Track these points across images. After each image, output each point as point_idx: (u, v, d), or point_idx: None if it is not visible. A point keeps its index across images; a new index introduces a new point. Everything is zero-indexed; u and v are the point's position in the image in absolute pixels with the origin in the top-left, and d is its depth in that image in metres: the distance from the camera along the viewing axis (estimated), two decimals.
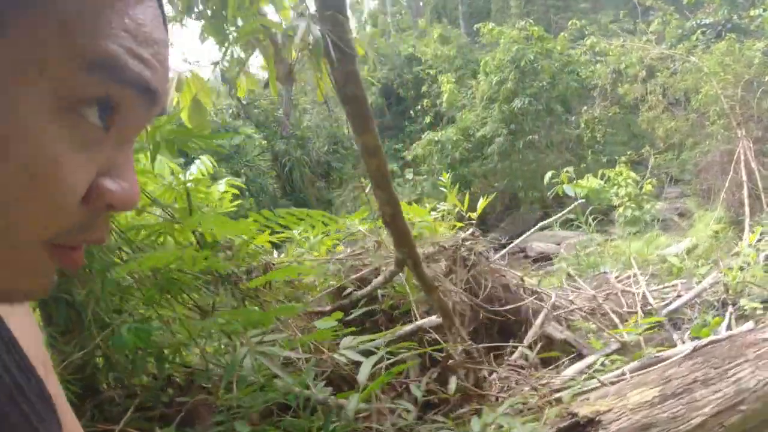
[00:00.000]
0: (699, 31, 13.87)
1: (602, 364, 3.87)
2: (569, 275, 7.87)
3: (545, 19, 21.33)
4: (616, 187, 10.84)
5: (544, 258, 16.66)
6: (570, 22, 17.66)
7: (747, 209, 9.51)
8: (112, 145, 0.44)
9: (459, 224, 5.05)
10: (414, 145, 18.79)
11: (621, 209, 10.71)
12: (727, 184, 9.75)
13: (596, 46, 16.48)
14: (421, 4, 26.88)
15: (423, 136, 19.07)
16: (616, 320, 5.05)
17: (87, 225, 0.44)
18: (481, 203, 5.13)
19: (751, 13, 14.19)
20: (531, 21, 17.49)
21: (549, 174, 11.24)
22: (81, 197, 0.42)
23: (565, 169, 10.05)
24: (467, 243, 4.85)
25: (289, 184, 19.28)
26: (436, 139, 18.54)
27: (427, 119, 21.39)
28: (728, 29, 13.98)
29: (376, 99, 23.65)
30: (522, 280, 5.41)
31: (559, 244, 16.52)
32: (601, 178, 11.19)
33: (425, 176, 19.75)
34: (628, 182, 10.73)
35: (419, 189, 19.62)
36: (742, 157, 9.74)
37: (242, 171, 17.84)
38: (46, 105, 0.39)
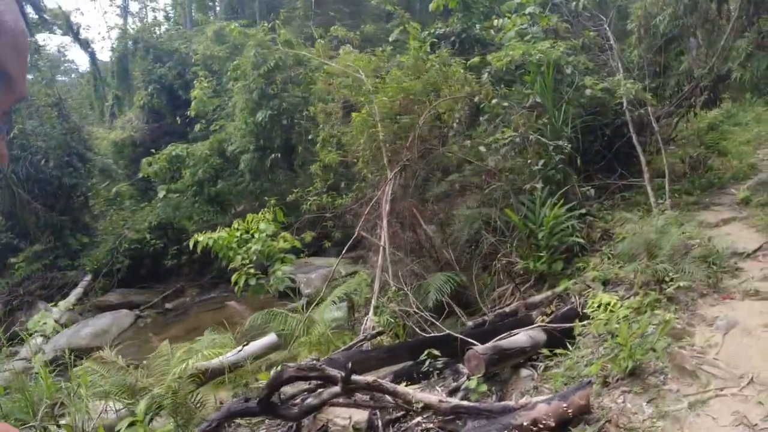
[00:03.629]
0: (428, 44, 10.88)
1: None
2: None
3: (329, 24, 17.98)
4: (258, 241, 7.55)
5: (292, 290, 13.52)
6: (332, 28, 14.31)
7: (377, 284, 6.46)
8: None
9: None
10: (144, 159, 14.95)
11: (235, 277, 7.40)
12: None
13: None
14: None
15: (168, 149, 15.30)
16: None
17: None
18: None
19: (495, 22, 11.41)
20: (279, 22, 14.01)
21: None
22: None
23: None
24: None
25: (10, 207, 14.89)
26: (176, 153, 14.82)
27: (198, 127, 17.60)
28: (465, 40, 11.10)
29: (151, 99, 19.59)
30: None
31: (310, 275, 13.43)
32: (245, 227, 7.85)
33: (178, 195, 15.97)
34: (262, 236, 7.43)
35: (180, 210, 15.79)
36: (384, 207, 6.69)
37: None
38: None
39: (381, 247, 6.49)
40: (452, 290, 6.80)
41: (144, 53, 19.68)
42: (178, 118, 17.64)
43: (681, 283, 5.23)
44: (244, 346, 5.87)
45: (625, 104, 9.86)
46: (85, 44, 22.05)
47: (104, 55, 23.22)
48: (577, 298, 6.04)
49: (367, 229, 7.02)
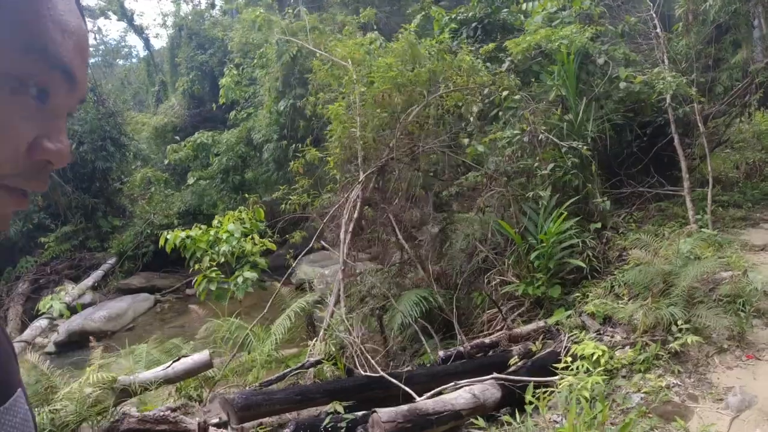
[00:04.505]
0: (447, 29, 9.65)
1: None
2: None
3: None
4: (226, 242, 6.69)
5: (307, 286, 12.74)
6: (362, 13, 13.22)
7: (332, 301, 5.43)
8: (48, 117, 0.55)
9: None
10: (169, 146, 14.45)
11: (198, 279, 6.55)
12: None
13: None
14: None
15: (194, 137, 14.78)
16: None
17: (30, 174, 0.56)
18: None
19: (523, 6, 10.02)
20: (305, 9, 13.06)
21: None
22: (24, 150, 0.54)
23: None
24: None
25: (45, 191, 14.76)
26: (201, 141, 14.27)
27: (233, 114, 17.01)
28: (487, 26, 9.77)
29: (192, 85, 19.24)
30: None
31: (324, 270, 12.63)
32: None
33: (207, 182, 15.46)
34: (230, 237, 6.56)
35: (206, 198, 15.28)
36: (345, 216, 5.63)
37: None
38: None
39: (341, 261, 5.46)
40: (427, 311, 5.69)
41: (188, 40, 19.32)
42: (213, 105, 17.10)
43: (689, 339, 3.91)
44: (174, 361, 5.04)
45: (668, 100, 8.33)
46: (139, 30, 22.01)
47: (162, 42, 23.09)
48: (566, 336, 4.81)
49: (335, 237, 6.02)
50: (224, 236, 6.62)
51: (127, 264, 14.18)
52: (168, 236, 6.78)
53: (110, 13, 20.79)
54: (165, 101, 20.51)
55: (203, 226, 7.26)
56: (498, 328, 5.89)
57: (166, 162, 15.16)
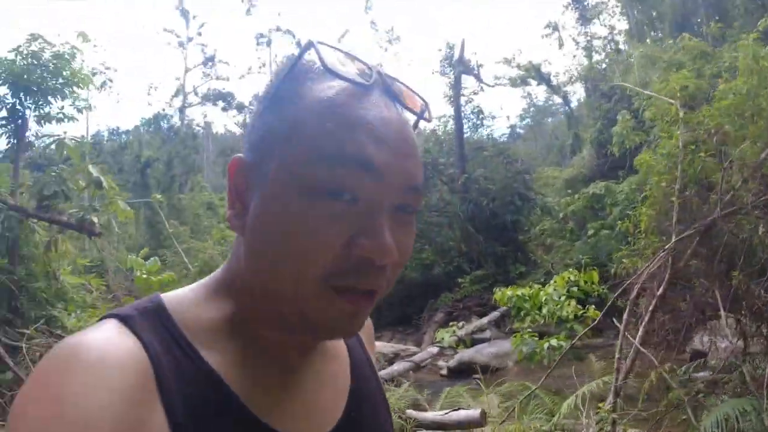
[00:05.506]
0: None
1: None
2: None
3: None
4: (546, 304, 6.37)
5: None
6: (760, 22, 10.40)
7: (611, 397, 4.51)
8: (362, 216, 0.55)
9: None
10: (562, 200, 14.35)
11: (515, 339, 6.30)
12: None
13: None
14: None
15: None
16: None
17: (355, 271, 0.55)
18: None
19: None
20: (688, 34, 11.09)
21: None
22: (340, 250, 0.54)
23: None
24: None
25: (461, 238, 17.27)
26: (594, 192, 13.73)
27: (636, 160, 15.76)
28: None
29: (599, 135, 18.75)
30: None
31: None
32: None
33: (607, 231, 14.76)
34: (559, 298, 6.19)
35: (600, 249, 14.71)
36: (633, 293, 4.64)
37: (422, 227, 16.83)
38: (305, 194, 0.54)
39: (632, 348, 4.41)
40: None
41: (591, 91, 19.08)
42: (616, 153, 16.28)
43: None
44: (453, 410, 5.25)
45: None
46: (557, 89, 23.07)
47: (581, 96, 23.54)
48: None
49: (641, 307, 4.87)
50: (544, 298, 6.37)
51: None
52: (498, 292, 7.00)
53: (529, 79, 22.66)
54: (579, 153, 20.65)
55: (536, 285, 7.16)
56: None
57: (561, 215, 15.25)
